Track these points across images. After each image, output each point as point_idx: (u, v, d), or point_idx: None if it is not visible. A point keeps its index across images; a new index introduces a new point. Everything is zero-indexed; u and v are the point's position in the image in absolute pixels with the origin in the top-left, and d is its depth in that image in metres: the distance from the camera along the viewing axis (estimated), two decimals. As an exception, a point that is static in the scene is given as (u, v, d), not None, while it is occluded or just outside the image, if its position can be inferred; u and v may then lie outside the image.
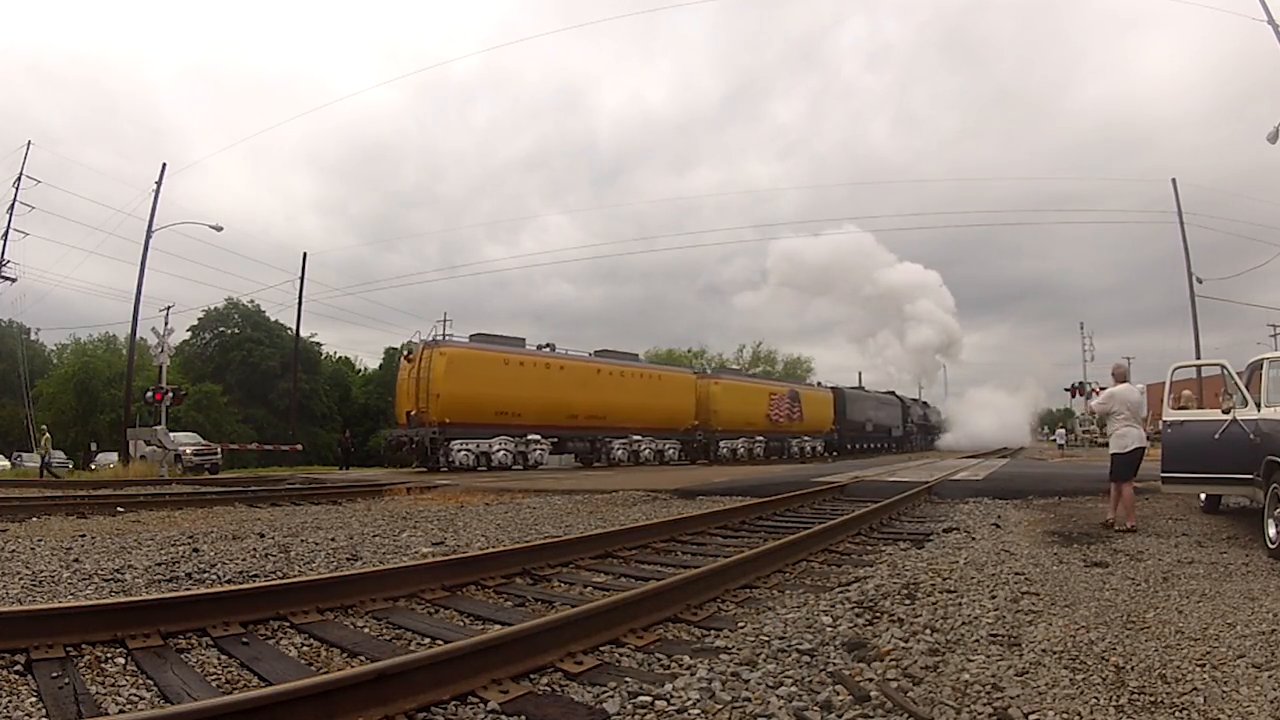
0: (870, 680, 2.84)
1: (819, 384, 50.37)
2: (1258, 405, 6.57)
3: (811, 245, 55.86)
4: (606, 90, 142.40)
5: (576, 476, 18.65)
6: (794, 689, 2.78)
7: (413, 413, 22.15)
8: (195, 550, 6.24)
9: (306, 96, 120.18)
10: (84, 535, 7.29)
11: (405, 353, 23.44)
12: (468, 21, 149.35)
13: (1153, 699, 2.66)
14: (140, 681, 2.92)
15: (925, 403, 60.35)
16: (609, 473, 21.55)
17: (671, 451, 29.60)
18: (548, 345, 26.48)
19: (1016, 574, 5.01)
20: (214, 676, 3.01)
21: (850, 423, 42.66)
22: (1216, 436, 6.85)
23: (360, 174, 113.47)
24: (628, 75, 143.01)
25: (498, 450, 22.26)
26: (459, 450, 21.31)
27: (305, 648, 3.48)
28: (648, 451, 28.31)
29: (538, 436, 23.64)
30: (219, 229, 27.91)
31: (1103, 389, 9.84)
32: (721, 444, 32.13)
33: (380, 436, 24.84)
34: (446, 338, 23.09)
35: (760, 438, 34.53)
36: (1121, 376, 7.95)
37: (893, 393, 52.50)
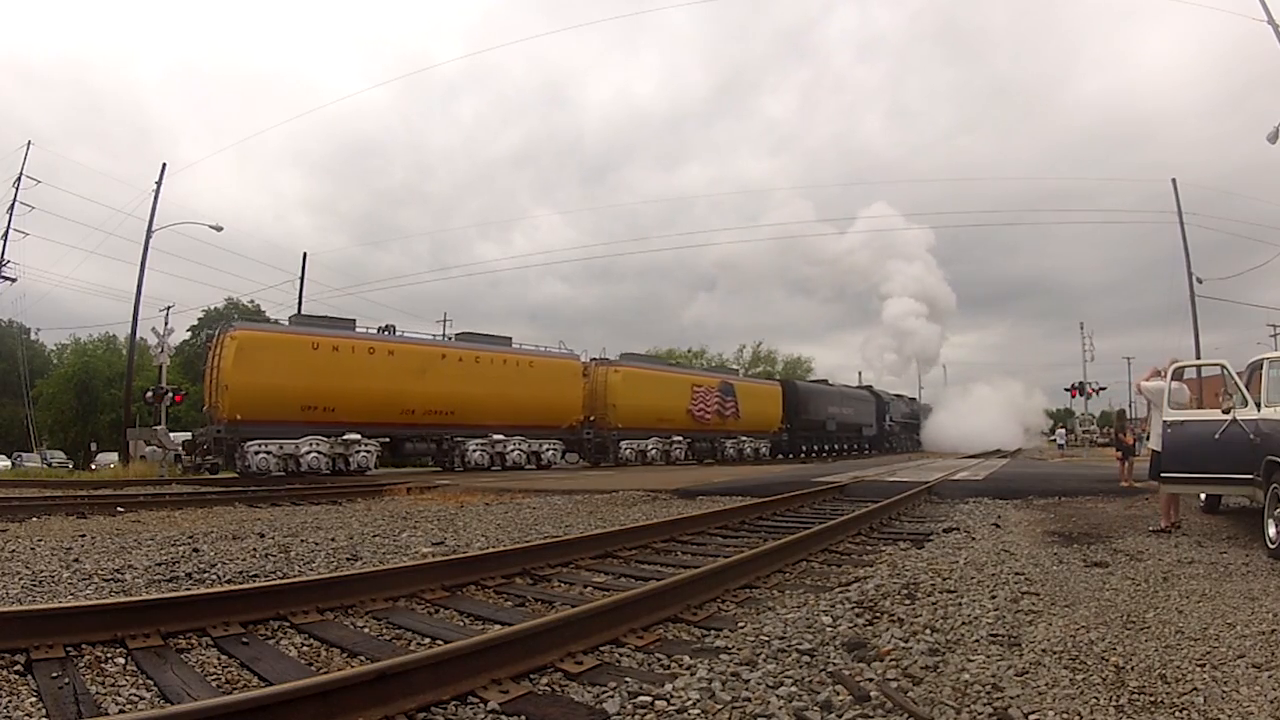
0: (870, 680, 2.84)
1: (768, 377, 47.69)
2: (1258, 405, 6.57)
3: (746, 249, 52.34)
4: (593, 85, 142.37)
5: (577, 477, 18.66)
6: (794, 689, 2.78)
7: (206, 408, 18.83)
8: (195, 550, 6.24)
9: (291, 93, 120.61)
10: (84, 535, 7.29)
11: (206, 340, 20.11)
12: (451, 16, 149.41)
13: (1153, 699, 2.66)
14: (140, 681, 2.92)
15: (913, 399, 56.09)
16: (609, 473, 21.53)
17: (551, 453, 24.82)
18: (387, 328, 22.07)
19: (1016, 574, 5.01)
20: (214, 676, 3.01)
21: (805, 421, 37.61)
22: (1216, 436, 6.84)
23: (348, 172, 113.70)
24: (614, 69, 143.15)
25: (307, 452, 18.54)
26: (256, 453, 17.83)
27: (305, 648, 3.49)
28: (516, 454, 23.45)
29: (358, 436, 19.63)
30: (219, 229, 27.90)
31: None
32: (623, 444, 26.87)
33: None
34: (243, 321, 19.60)
35: (680, 438, 29.32)
36: (1179, 373, 7.78)
37: (868, 388, 48.83)
